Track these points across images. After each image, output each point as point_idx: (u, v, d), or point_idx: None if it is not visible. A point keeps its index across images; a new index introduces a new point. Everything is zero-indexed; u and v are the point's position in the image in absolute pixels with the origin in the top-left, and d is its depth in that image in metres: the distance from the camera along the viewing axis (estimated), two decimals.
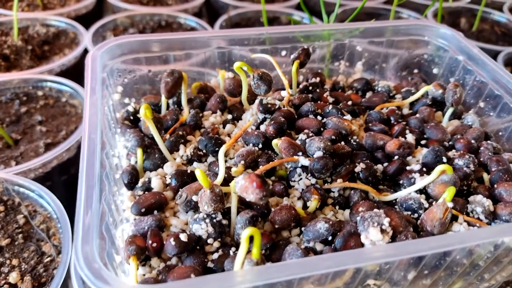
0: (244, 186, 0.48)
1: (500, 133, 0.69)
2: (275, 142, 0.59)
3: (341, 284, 0.47)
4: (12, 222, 0.71)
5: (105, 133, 0.57)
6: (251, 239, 0.43)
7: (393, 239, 0.50)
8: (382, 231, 0.48)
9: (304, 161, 0.57)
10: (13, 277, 0.63)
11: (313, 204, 0.55)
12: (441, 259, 0.48)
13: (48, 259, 0.68)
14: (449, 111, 0.69)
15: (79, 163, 0.48)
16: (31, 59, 1.11)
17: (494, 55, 1.25)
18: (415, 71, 0.83)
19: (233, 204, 0.52)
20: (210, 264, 0.50)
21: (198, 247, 0.50)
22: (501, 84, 0.68)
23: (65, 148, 0.82)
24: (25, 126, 0.93)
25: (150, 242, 0.49)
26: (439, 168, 0.53)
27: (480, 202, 0.54)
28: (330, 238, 0.50)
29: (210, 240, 0.50)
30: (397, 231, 0.50)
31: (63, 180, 0.86)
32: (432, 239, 0.43)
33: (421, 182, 0.55)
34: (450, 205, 0.51)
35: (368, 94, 0.76)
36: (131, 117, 0.66)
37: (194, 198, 0.53)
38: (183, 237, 0.49)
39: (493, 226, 0.52)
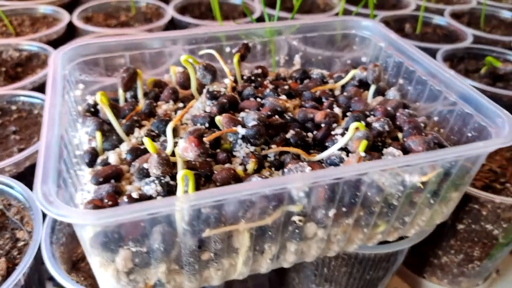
0: (185, 147, 0.57)
1: (417, 104, 0.80)
2: (218, 118, 0.68)
3: (270, 221, 0.55)
4: None
5: (68, 123, 0.65)
6: None
7: None
8: None
9: (241, 130, 0.65)
10: None
11: (250, 166, 0.64)
12: (353, 196, 0.57)
13: (22, 243, 0.74)
14: (372, 88, 0.80)
15: None
16: (5, 80, 1.20)
17: (434, 52, 1.38)
18: (348, 61, 0.94)
19: (179, 166, 0.60)
20: None
21: None
22: (415, 61, 0.79)
23: (37, 149, 0.90)
24: (0, 136, 1.00)
25: (106, 201, 0.57)
26: (353, 125, 0.63)
27: (391, 153, 0.64)
28: None
29: (159, 198, 0.58)
30: None
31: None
32: (333, 168, 0.53)
33: (341, 140, 0.64)
34: (363, 154, 0.60)
35: (306, 82, 0.87)
36: (92, 109, 0.75)
37: (145, 165, 0.61)
38: (135, 195, 0.57)
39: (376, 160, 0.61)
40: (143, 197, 0.58)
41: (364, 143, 0.61)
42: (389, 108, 0.73)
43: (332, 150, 0.65)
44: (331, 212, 0.58)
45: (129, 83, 0.76)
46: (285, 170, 0.59)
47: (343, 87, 0.84)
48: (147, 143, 0.58)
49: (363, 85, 0.83)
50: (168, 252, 0.53)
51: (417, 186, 0.61)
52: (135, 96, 0.79)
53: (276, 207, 0.56)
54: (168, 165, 0.59)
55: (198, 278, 0.58)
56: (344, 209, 0.59)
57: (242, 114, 0.70)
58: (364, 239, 0.66)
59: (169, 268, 0.55)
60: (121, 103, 0.78)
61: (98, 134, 0.68)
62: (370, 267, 0.78)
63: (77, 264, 0.76)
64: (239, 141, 0.68)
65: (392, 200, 0.61)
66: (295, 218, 0.56)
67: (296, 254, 0.62)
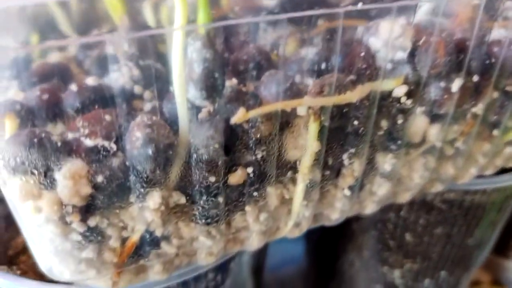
0: None
1: None
2: None
3: (356, 97, 0.29)
4: None
5: None
6: None
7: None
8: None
9: None
10: None
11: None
12: (487, 55, 0.32)
13: None
14: None
15: None
16: None
17: None
18: None
19: None
20: None
21: None
22: None
23: None
24: None
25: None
26: None
27: None
28: None
29: None
30: None
31: None
32: None
33: None
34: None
35: None
36: None
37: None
38: (91, 81, 0.30)
39: None
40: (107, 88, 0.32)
41: None
42: None
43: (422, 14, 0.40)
44: (456, 84, 0.32)
45: None
46: None
47: None
48: None
49: None
50: (164, 162, 0.25)
51: None
52: None
53: (359, 82, 0.30)
54: None
55: (223, 231, 0.31)
56: (475, 78, 0.33)
57: None
58: (489, 155, 0.40)
59: (168, 201, 0.27)
60: None
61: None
62: (477, 223, 0.51)
63: (15, 258, 0.47)
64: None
65: None
66: (398, 92, 0.30)
67: (390, 179, 0.35)
